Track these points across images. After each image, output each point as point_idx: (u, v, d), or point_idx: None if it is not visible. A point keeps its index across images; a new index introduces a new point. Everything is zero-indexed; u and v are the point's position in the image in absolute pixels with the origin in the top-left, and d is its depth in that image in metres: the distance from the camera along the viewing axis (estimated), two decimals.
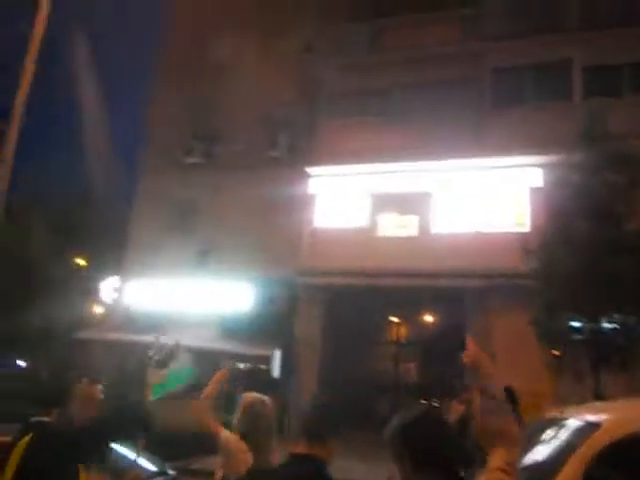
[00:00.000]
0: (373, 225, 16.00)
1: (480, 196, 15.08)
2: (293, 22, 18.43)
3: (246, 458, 2.83)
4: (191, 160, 18.71)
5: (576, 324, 10.24)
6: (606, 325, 10.04)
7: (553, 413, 5.14)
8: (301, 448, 2.41)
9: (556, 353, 10.46)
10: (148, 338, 15.96)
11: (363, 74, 16.80)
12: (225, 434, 3.07)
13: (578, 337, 10.16)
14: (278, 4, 18.82)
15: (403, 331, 16.74)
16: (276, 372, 15.74)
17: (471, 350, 1.88)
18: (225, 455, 3.02)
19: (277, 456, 2.90)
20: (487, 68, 15.63)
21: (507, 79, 15.37)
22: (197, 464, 9.64)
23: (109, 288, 18.72)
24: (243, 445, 2.91)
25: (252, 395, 3.14)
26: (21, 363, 22.30)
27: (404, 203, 15.81)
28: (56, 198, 21.78)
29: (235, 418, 3.06)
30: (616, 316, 10.05)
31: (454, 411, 7.77)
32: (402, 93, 16.50)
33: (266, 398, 3.13)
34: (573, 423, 4.48)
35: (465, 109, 15.61)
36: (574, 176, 10.52)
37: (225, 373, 3.56)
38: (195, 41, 20.20)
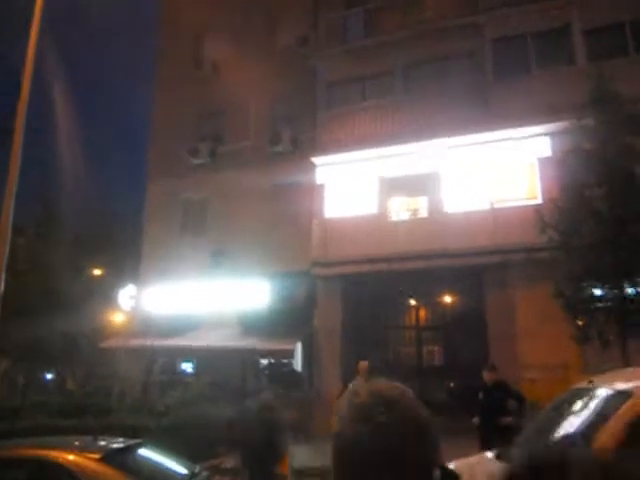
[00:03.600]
0: (384, 210, 15.87)
1: (490, 171, 14.87)
2: (286, 16, 18.36)
3: None
4: (198, 161, 18.70)
5: (599, 292, 10.07)
6: (630, 290, 9.85)
7: (582, 383, 5.03)
8: None
9: (581, 323, 10.29)
10: (170, 342, 16.11)
11: (361, 59, 16.62)
12: None
13: (602, 305, 9.99)
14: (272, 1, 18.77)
15: (423, 314, 16.60)
16: (299, 365, 15.73)
17: None
18: None
19: None
20: (487, 39, 15.36)
21: (508, 49, 15.10)
22: (231, 463, 9.63)
23: (127, 296, 18.84)
24: None
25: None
26: (48, 376, 22.61)
27: (413, 185, 15.65)
28: (68, 213, 22.02)
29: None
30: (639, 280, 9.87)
31: (488, 379, 7.96)
32: (403, 73, 16.30)
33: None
34: (603, 392, 4.38)
35: (468, 83, 15.38)
36: (586, 142, 10.30)
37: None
38: (190, 43, 20.17)
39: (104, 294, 21.49)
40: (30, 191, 20.24)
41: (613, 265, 9.45)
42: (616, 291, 9.74)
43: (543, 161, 13.92)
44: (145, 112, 21.35)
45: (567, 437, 4.07)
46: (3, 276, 8.76)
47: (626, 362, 9.22)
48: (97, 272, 23.10)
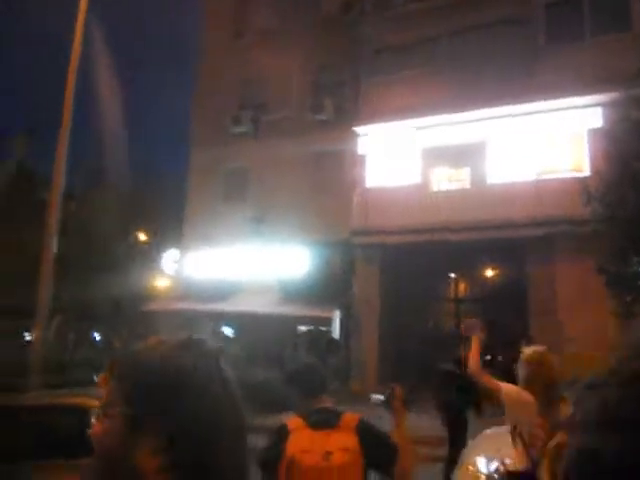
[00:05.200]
0: (426, 180, 15.70)
1: (537, 142, 14.47)
2: None
3: (529, 407, 3.05)
4: (240, 129, 18.82)
5: None
6: None
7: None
8: None
9: (627, 299, 10.05)
10: (211, 306, 16.49)
11: (407, 25, 16.24)
12: (506, 387, 3.32)
13: None
14: None
15: (463, 287, 16.50)
16: (337, 333, 15.93)
17: None
18: (508, 407, 3.24)
19: (564, 406, 3.05)
20: (540, 4, 14.77)
21: (561, 14, 14.51)
22: (265, 422, 9.93)
23: (170, 260, 19.33)
24: (525, 395, 3.13)
25: (532, 348, 3.44)
26: (96, 335, 23.59)
27: (457, 155, 15.39)
28: (117, 176, 22.61)
29: (518, 370, 3.34)
30: None
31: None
32: (449, 40, 15.88)
33: (545, 350, 3.38)
34: None
35: (517, 51, 14.86)
36: (635, 112, 9.90)
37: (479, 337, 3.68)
38: (235, 10, 20.11)
39: (149, 258, 22.12)
40: (79, 156, 20.82)
41: None
42: None
43: (592, 132, 13.45)
44: (190, 79, 21.51)
45: None
46: (56, 239, 9.21)
47: None
48: (142, 236, 23.76)
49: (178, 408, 0.86)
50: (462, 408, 7.64)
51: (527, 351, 3.33)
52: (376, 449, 2.49)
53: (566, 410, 2.87)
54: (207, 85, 20.01)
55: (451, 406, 7.65)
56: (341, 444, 2.44)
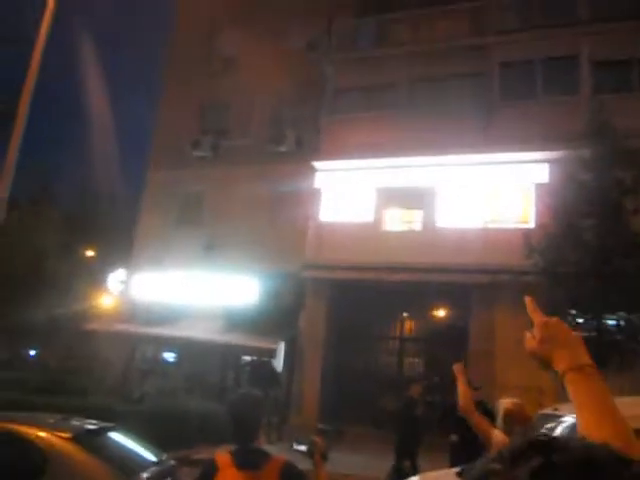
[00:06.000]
0: (379, 220, 16.00)
1: (486, 191, 15.03)
2: (299, 19, 18.47)
3: None
4: (199, 154, 18.79)
5: (580, 321, 10.22)
6: (610, 322, 10.01)
7: (548, 409, 5.18)
8: None
9: None
10: (155, 330, 16.16)
11: (370, 69, 16.76)
12: (495, 432, 3.57)
13: (581, 334, 10.11)
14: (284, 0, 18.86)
15: (408, 326, 16.74)
16: (280, 365, 15.84)
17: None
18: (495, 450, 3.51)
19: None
20: (495, 62, 15.52)
21: (516, 73, 15.26)
22: (200, 454, 9.74)
23: (116, 280, 18.90)
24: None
25: (509, 400, 3.95)
26: (31, 352, 22.63)
27: (410, 198, 15.80)
28: (65, 192, 22.09)
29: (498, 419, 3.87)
30: (620, 314, 10.03)
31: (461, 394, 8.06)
32: (409, 87, 16.46)
33: (520, 402, 3.97)
34: (568, 420, 4.51)
35: (473, 104, 15.54)
36: (581, 173, 10.46)
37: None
38: (202, 37, 20.29)
39: (94, 276, 21.53)
40: (28, 166, 20.27)
41: (595, 296, 9.59)
42: (595, 322, 9.89)
43: (539, 187, 14.05)
44: (154, 100, 21.41)
45: None
46: None
47: None
48: (88, 253, 23.16)
49: None
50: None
51: (506, 402, 3.86)
52: None
53: None
54: (170, 107, 19.98)
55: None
56: None
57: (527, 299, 1.29)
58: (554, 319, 1.23)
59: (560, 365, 1.17)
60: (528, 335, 1.26)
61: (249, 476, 2.56)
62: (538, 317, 1.26)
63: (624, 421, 1.04)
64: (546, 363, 1.20)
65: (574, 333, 1.22)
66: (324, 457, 2.82)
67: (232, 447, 2.72)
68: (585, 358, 1.17)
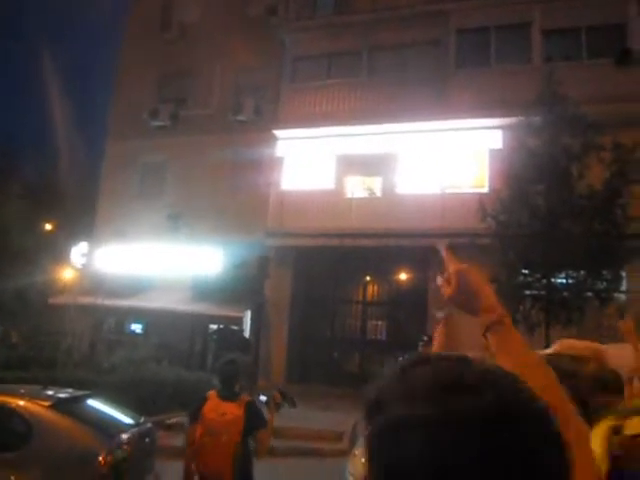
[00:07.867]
0: (340, 187, 16.30)
1: (443, 157, 15.46)
2: None
3: None
4: (157, 123, 18.59)
5: (530, 279, 10.83)
6: (558, 281, 10.65)
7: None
8: None
9: (513, 307, 11.04)
10: (121, 302, 16.21)
11: (329, 36, 16.81)
12: None
13: (531, 293, 10.76)
14: None
15: (371, 290, 17.28)
16: (247, 332, 16.19)
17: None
18: None
19: None
20: (452, 29, 15.77)
21: (471, 40, 15.57)
22: (174, 419, 10.08)
23: (79, 253, 18.74)
24: None
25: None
26: None
27: (370, 165, 16.11)
28: (24, 164, 21.56)
29: None
30: (568, 273, 10.67)
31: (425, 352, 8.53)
32: (368, 55, 16.60)
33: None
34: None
35: (431, 71, 15.83)
36: (532, 139, 10.91)
37: None
38: (160, 3, 19.83)
39: (55, 250, 21.26)
40: None
41: (544, 256, 10.19)
42: (545, 281, 10.52)
43: (493, 153, 14.53)
44: (111, 67, 20.94)
45: None
46: None
47: (547, 345, 10.00)
48: (49, 227, 22.78)
49: None
50: None
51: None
52: (253, 419, 4.10)
53: None
54: (128, 75, 19.60)
55: None
56: (233, 410, 4.07)
57: (445, 250, 1.25)
58: (465, 266, 1.20)
59: (484, 316, 1.13)
60: (442, 282, 1.23)
61: (226, 404, 4.10)
62: (453, 265, 1.22)
63: (551, 372, 1.02)
64: (467, 311, 1.19)
65: (485, 281, 1.19)
66: (277, 407, 4.26)
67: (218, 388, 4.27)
68: (502, 308, 1.14)
